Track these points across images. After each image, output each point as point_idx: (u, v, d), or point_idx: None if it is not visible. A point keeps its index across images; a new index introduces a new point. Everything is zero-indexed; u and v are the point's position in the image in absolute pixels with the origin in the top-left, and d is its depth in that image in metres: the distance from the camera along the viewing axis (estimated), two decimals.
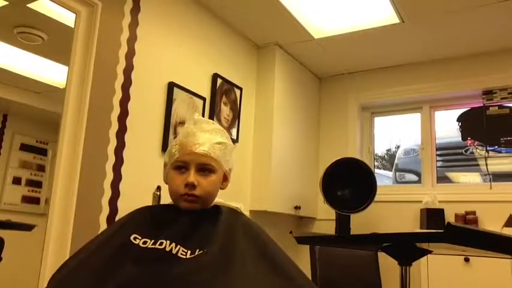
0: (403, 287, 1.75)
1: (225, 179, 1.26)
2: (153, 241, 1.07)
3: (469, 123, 3.63)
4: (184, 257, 1.03)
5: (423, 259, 3.26)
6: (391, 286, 3.18)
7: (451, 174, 3.84)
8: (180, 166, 1.17)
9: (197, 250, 1.05)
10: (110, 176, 2.30)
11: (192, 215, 1.15)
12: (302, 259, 3.65)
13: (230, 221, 1.16)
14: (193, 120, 1.26)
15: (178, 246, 1.05)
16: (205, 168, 1.17)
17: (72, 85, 2.22)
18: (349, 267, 2.77)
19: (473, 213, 3.31)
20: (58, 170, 2.13)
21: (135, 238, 1.08)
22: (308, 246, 2.77)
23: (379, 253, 2.68)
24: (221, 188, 1.24)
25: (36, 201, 5.02)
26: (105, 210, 2.25)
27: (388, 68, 3.92)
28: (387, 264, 3.13)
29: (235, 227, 1.14)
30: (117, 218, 2.29)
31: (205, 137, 1.20)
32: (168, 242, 1.06)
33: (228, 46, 3.32)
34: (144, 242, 1.07)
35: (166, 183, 1.23)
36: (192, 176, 1.15)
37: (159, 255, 1.03)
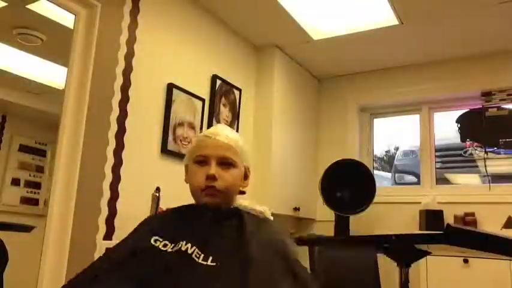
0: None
1: (246, 176, 1.27)
2: (173, 244, 1.08)
3: (468, 125, 3.64)
4: (205, 263, 1.03)
5: (422, 261, 3.26)
6: (389, 284, 3.18)
7: (450, 176, 3.84)
8: (200, 160, 1.19)
9: (215, 258, 1.04)
10: (109, 177, 2.29)
11: (213, 214, 1.15)
12: (301, 260, 3.65)
13: (252, 230, 1.11)
14: (213, 126, 1.31)
15: (197, 250, 1.05)
16: (226, 161, 1.19)
17: (71, 86, 2.22)
18: (348, 269, 2.77)
19: (472, 214, 3.31)
20: (57, 171, 2.12)
21: (155, 241, 1.09)
22: (307, 247, 2.76)
23: (378, 254, 2.68)
24: (242, 188, 1.26)
25: (35, 202, 5.02)
26: (104, 212, 2.25)
27: (387, 70, 3.92)
28: (386, 266, 3.14)
29: (256, 237, 1.09)
30: (115, 220, 2.28)
31: (225, 132, 1.23)
32: (189, 245, 1.06)
33: (227, 47, 3.32)
34: (165, 245, 1.08)
35: (188, 182, 1.23)
36: (213, 168, 1.16)
37: (178, 260, 1.03)
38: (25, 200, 4.94)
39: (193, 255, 1.04)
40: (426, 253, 1.57)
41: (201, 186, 1.16)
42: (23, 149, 4.99)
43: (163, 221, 1.19)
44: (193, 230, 1.11)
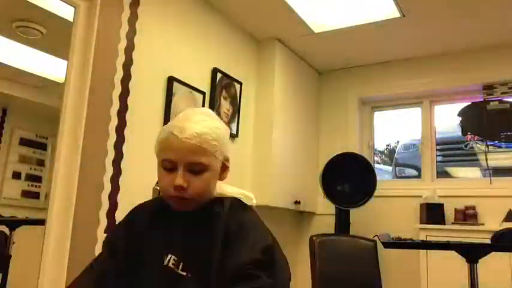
0: (472, 281, 1.81)
1: (224, 168, 1.12)
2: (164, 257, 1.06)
3: (469, 118, 3.63)
4: (182, 273, 1.02)
5: (423, 258, 3.27)
6: (390, 278, 3.19)
7: (451, 169, 3.84)
8: (167, 167, 1.04)
9: (188, 268, 1.03)
10: (109, 170, 2.29)
11: (185, 220, 1.08)
12: (302, 252, 3.66)
13: (225, 228, 1.04)
14: (183, 112, 1.11)
15: (176, 261, 1.04)
16: (195, 167, 1.03)
17: (71, 79, 2.21)
18: (348, 260, 2.78)
19: (473, 208, 3.31)
20: (58, 165, 2.12)
21: (167, 255, 1.06)
22: (308, 238, 2.77)
23: (378, 245, 2.68)
24: (221, 179, 1.13)
25: (36, 195, 5.02)
26: (105, 205, 2.25)
27: (389, 63, 3.91)
28: (386, 256, 3.15)
29: (229, 234, 1.03)
30: (117, 213, 2.29)
31: (193, 127, 1.03)
32: (169, 256, 1.05)
33: (228, 40, 3.30)
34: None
35: None
36: (180, 178, 1.01)
37: (165, 275, 1.03)
38: (26, 194, 4.94)
39: (174, 267, 1.03)
40: (492, 249, 1.61)
41: (169, 193, 1.04)
42: (24, 142, 4.98)
43: (156, 230, 1.12)
44: (170, 238, 1.08)
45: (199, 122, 1.05)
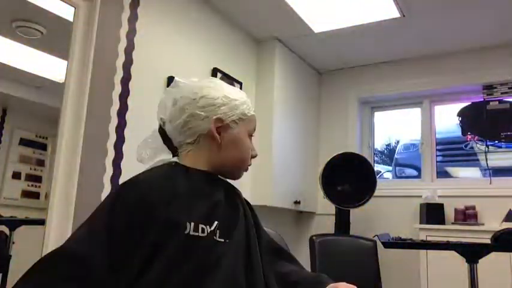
0: (472, 281, 1.84)
1: None
2: (208, 227, 0.96)
3: (469, 118, 3.63)
4: (222, 240, 0.98)
5: (423, 256, 3.27)
6: (389, 277, 3.19)
7: (451, 169, 3.84)
8: (251, 135, 1.15)
9: (230, 235, 1.00)
10: (109, 170, 2.29)
11: (226, 189, 1.11)
12: (301, 252, 3.66)
13: (246, 202, 1.18)
14: (223, 84, 1.16)
15: (221, 231, 0.98)
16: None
17: (71, 79, 2.21)
18: (348, 260, 2.78)
19: (473, 208, 3.31)
20: (58, 165, 2.12)
21: (195, 228, 0.94)
22: (308, 238, 2.77)
23: (378, 245, 2.68)
24: None
25: (36, 195, 5.02)
26: None
27: (389, 63, 3.91)
28: (386, 256, 3.15)
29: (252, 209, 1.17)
30: None
31: None
32: (218, 227, 0.98)
33: (227, 40, 3.30)
34: (203, 230, 0.95)
35: (219, 144, 1.06)
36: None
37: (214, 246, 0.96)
38: (26, 194, 4.94)
39: (221, 237, 0.98)
40: (492, 250, 1.62)
41: (247, 162, 1.13)
42: (24, 142, 4.98)
43: (184, 194, 0.99)
44: (216, 209, 1.01)
45: None
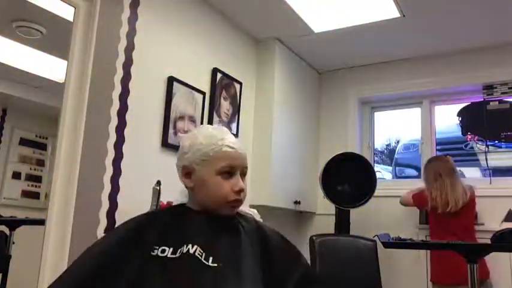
0: (471, 281, 1.88)
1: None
2: (179, 249, 1.08)
3: (469, 118, 3.63)
4: (214, 265, 1.05)
5: (423, 256, 3.27)
6: (389, 277, 3.19)
7: None
8: (227, 172, 1.15)
9: (216, 260, 1.07)
10: (109, 170, 2.29)
11: (215, 221, 1.16)
12: (302, 251, 3.65)
13: (250, 233, 1.18)
14: (209, 127, 1.24)
15: (199, 250, 1.07)
16: (245, 172, 1.19)
17: (71, 79, 2.21)
18: (348, 259, 2.78)
19: None
20: (58, 165, 2.12)
21: (162, 251, 1.08)
22: (308, 238, 2.77)
23: (378, 245, 2.68)
24: None
25: (36, 195, 5.02)
26: (105, 205, 2.25)
27: (389, 63, 3.91)
28: (386, 256, 3.15)
29: (255, 240, 1.17)
30: (117, 213, 2.29)
31: (237, 141, 1.21)
32: (194, 247, 1.08)
33: (227, 40, 3.30)
34: (173, 252, 1.08)
35: (191, 187, 1.19)
36: (241, 182, 1.16)
37: (188, 264, 1.05)
38: (26, 194, 4.95)
39: (197, 254, 1.06)
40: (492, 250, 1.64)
41: (228, 199, 1.14)
42: (24, 142, 4.98)
43: (163, 225, 1.16)
44: (195, 235, 1.12)
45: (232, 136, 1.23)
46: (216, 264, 1.05)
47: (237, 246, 1.12)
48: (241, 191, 1.15)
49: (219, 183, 1.14)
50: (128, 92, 2.44)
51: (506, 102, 3.49)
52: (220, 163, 1.15)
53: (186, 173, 1.19)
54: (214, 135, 1.18)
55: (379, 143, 4.32)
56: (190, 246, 1.07)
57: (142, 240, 1.10)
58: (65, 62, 2.31)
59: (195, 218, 1.16)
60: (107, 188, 2.27)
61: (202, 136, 1.19)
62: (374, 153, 4.12)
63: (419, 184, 3.34)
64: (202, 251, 1.07)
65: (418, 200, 3.16)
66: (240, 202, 1.17)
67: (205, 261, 1.05)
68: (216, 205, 1.16)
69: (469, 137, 3.65)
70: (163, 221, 1.16)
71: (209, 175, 1.15)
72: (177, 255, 1.07)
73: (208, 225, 1.14)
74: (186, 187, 1.21)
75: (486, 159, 3.45)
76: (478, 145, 3.60)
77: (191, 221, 1.15)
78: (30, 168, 5.01)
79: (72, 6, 2.30)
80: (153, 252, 1.08)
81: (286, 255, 1.20)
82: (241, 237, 1.15)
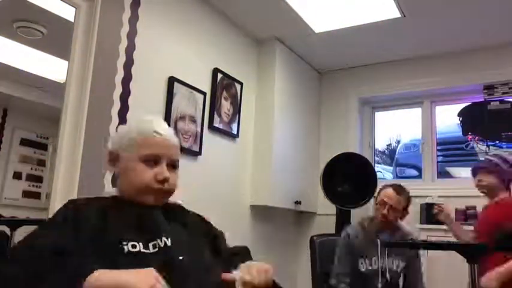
0: (472, 282, 1.89)
1: None
2: (151, 244, 1.04)
3: (470, 118, 3.62)
4: (182, 258, 1.04)
5: (423, 257, 3.26)
6: None
7: (452, 169, 3.84)
8: (150, 159, 1.11)
9: (187, 253, 1.06)
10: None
11: (162, 211, 1.13)
12: (302, 252, 3.66)
13: (194, 220, 1.21)
14: (140, 116, 1.22)
15: (173, 244, 1.06)
16: (174, 164, 1.15)
17: (72, 80, 2.22)
18: None
19: (474, 208, 3.31)
20: (58, 165, 2.13)
21: (133, 246, 1.01)
22: (308, 238, 2.77)
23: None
24: None
25: (37, 195, 5.03)
26: None
27: (389, 63, 3.91)
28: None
29: (201, 226, 1.21)
30: None
31: (169, 129, 1.17)
32: (166, 240, 1.06)
33: (228, 41, 3.31)
34: (145, 247, 1.03)
35: (118, 174, 1.16)
36: (166, 171, 1.11)
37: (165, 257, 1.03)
38: (27, 194, 4.96)
39: (173, 248, 1.06)
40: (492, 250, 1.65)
41: (151, 186, 1.10)
42: (25, 142, 5.00)
43: (118, 220, 1.07)
44: (162, 228, 1.09)
45: (166, 124, 1.19)
46: (182, 257, 1.04)
47: (194, 237, 1.13)
48: (165, 180, 1.10)
49: (141, 170, 1.11)
50: (129, 92, 2.45)
51: (507, 102, 3.48)
52: (145, 150, 1.12)
53: (110, 159, 1.17)
54: (144, 121, 1.16)
55: (380, 143, 4.32)
56: (165, 239, 1.05)
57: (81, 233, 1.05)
58: (65, 63, 2.31)
59: (152, 211, 1.11)
60: (108, 188, 2.27)
61: (133, 122, 1.18)
62: (375, 153, 4.12)
63: (419, 184, 3.33)
64: (172, 244, 1.06)
65: None
66: (166, 193, 1.13)
67: (177, 255, 1.04)
68: (139, 193, 1.11)
69: (470, 137, 3.65)
70: (104, 215, 1.08)
71: (133, 161, 1.12)
72: (154, 249, 1.02)
73: (164, 217, 1.12)
74: (114, 176, 1.19)
75: None
76: (478, 145, 3.60)
77: (144, 214, 1.09)
78: (31, 169, 5.03)
79: (73, 6, 2.30)
80: (124, 249, 0.99)
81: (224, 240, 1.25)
82: (193, 228, 1.16)
